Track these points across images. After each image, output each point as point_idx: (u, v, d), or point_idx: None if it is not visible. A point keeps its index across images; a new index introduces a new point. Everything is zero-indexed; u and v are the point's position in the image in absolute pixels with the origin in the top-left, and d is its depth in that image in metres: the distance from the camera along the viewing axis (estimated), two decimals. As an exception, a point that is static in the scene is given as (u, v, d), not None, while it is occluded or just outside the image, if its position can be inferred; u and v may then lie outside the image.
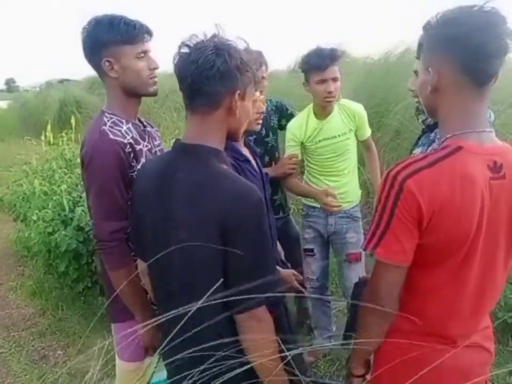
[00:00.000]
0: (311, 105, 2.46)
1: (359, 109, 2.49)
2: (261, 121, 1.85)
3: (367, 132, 2.55)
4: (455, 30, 0.99)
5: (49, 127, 4.69)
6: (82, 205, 3.10)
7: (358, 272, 2.53)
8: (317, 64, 2.23)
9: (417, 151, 1.56)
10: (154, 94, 1.62)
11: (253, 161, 1.81)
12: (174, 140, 1.26)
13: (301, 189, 2.57)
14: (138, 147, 1.53)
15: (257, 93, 1.76)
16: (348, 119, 2.43)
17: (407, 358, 1.08)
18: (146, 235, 1.22)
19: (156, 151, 1.66)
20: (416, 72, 1.57)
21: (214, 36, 1.13)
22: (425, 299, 1.10)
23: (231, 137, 1.26)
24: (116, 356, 1.62)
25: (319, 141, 2.41)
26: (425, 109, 1.15)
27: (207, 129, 1.17)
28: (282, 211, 2.73)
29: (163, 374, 1.38)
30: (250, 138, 2.41)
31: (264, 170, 1.91)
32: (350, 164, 2.50)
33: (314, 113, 2.43)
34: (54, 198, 3.28)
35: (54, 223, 3.11)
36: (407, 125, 4.06)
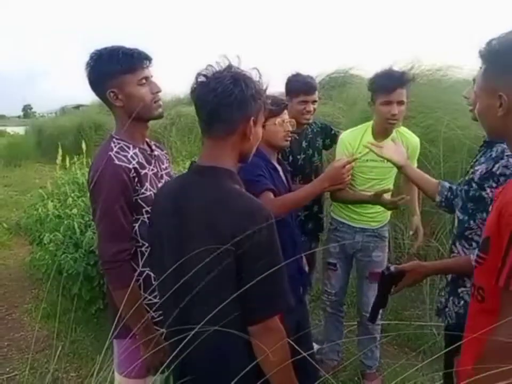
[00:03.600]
0: (370, 123, 2.45)
1: (415, 141, 2.48)
2: (289, 139, 2.07)
3: (415, 164, 2.51)
4: None
5: (60, 152, 4.81)
6: (93, 228, 3.15)
7: (374, 291, 2.53)
8: (385, 85, 2.24)
9: (481, 167, 1.60)
10: (160, 117, 1.69)
11: (282, 175, 2.09)
12: (188, 162, 1.34)
13: (358, 196, 2.42)
14: (143, 171, 1.60)
15: (286, 115, 2.07)
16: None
17: None
18: (163, 252, 1.28)
19: (162, 175, 1.73)
20: (475, 80, 1.58)
21: (230, 66, 1.22)
22: None
23: (242, 160, 1.34)
24: (115, 371, 1.64)
25: (367, 160, 2.38)
26: (488, 130, 1.19)
27: (222, 152, 1.25)
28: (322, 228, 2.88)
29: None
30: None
31: (317, 182, 1.94)
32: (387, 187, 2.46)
33: (372, 132, 2.43)
34: (66, 221, 3.35)
35: (65, 246, 3.17)
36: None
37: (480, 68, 1.19)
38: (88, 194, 1.66)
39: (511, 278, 0.98)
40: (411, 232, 2.73)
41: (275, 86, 2.73)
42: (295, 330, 2.05)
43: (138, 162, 1.60)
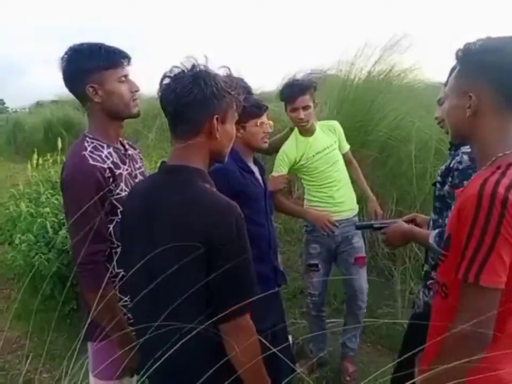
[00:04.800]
0: (296, 129, 2.73)
1: (335, 123, 2.84)
2: (267, 140, 2.16)
3: (346, 145, 2.88)
4: (499, 58, 1.07)
5: (35, 153, 4.70)
6: (67, 227, 3.09)
7: (364, 276, 2.78)
8: (289, 95, 2.58)
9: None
10: (137, 115, 1.68)
11: (258, 176, 2.14)
12: (160, 162, 1.34)
13: (293, 209, 2.79)
14: (118, 171, 1.59)
15: (264, 117, 2.13)
16: (329, 132, 2.76)
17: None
18: (134, 252, 1.28)
19: (136, 174, 1.71)
20: (439, 100, 1.74)
21: (194, 66, 1.22)
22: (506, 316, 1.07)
23: (216, 159, 1.34)
24: (90, 374, 1.63)
25: (313, 155, 2.67)
26: (454, 132, 1.22)
27: (190, 152, 1.25)
28: None
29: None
30: None
31: None
32: (343, 172, 2.77)
33: (301, 133, 2.71)
34: (39, 220, 3.29)
35: (37, 246, 3.11)
36: (391, 142, 4.14)
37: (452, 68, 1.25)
38: (62, 194, 1.64)
39: (470, 271, 1.03)
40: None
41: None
42: (271, 328, 2.09)
43: (112, 162, 1.58)
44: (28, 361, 3.07)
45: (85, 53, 1.54)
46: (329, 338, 3.05)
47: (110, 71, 1.55)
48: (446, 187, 1.60)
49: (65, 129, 10.92)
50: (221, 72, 1.26)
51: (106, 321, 1.51)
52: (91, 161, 1.52)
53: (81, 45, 1.56)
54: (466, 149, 1.53)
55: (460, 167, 1.53)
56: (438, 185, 1.69)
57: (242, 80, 2.73)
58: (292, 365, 2.15)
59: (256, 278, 1.25)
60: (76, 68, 1.55)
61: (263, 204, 2.11)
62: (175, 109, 1.21)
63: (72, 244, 1.56)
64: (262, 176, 2.19)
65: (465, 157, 1.53)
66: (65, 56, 1.56)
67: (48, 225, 3.17)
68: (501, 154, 1.09)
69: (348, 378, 2.77)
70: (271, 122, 2.18)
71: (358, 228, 1.86)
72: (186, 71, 1.21)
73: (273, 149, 2.76)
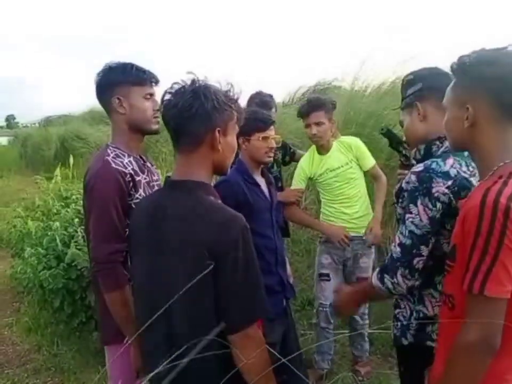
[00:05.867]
0: (313, 146, 2.85)
1: (354, 141, 2.86)
2: (272, 155, 2.18)
3: (369, 161, 2.83)
4: (494, 70, 1.10)
5: (58, 171, 4.66)
6: (76, 241, 3.14)
7: None
8: (302, 112, 2.74)
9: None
10: (156, 132, 1.80)
11: (265, 188, 2.17)
12: (165, 177, 1.36)
13: (308, 220, 2.98)
14: (137, 178, 1.67)
15: (272, 132, 2.15)
16: (346, 151, 2.78)
17: None
18: (141, 264, 1.31)
19: (154, 185, 1.79)
20: (401, 122, 1.65)
21: (194, 81, 1.25)
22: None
23: (219, 171, 1.37)
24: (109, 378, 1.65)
25: (326, 173, 2.77)
26: (453, 143, 1.24)
27: (193, 165, 1.27)
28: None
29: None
30: None
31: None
32: (359, 190, 2.78)
33: (317, 150, 2.82)
34: (49, 234, 3.32)
35: (46, 259, 3.14)
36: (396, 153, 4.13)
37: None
38: (75, 206, 1.67)
39: (474, 281, 1.03)
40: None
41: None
42: (281, 341, 2.07)
43: (133, 169, 1.66)
44: (37, 375, 3.09)
45: (117, 68, 1.69)
46: (338, 349, 3.05)
47: (137, 87, 1.68)
48: (399, 208, 1.53)
49: (77, 144, 11.03)
50: (222, 86, 1.28)
51: (124, 321, 1.54)
52: (114, 165, 1.61)
53: (117, 63, 1.71)
54: (415, 168, 1.45)
55: (409, 187, 1.43)
56: (395, 206, 1.58)
57: (270, 96, 2.87)
58: (304, 378, 2.13)
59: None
60: (108, 79, 1.70)
61: (268, 216, 2.11)
62: (176, 123, 1.24)
63: (92, 243, 1.60)
64: (269, 188, 2.19)
65: (413, 177, 1.42)
66: (101, 71, 1.71)
67: (58, 239, 3.20)
68: (501, 163, 1.10)
69: (360, 378, 2.82)
70: (277, 137, 2.19)
71: (383, 132, 1.82)
72: (186, 86, 1.24)
73: None
